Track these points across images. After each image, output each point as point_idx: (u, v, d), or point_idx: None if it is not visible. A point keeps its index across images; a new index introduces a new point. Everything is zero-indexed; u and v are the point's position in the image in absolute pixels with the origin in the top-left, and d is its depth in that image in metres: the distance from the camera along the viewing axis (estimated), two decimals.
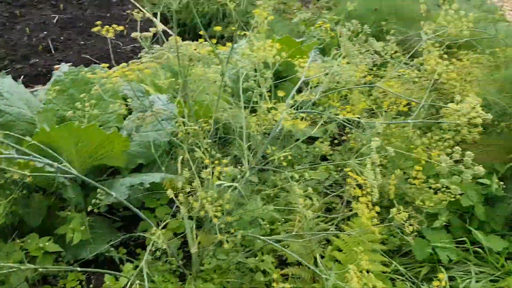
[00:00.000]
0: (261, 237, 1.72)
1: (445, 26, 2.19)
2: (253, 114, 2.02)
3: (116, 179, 2.07)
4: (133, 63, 1.55)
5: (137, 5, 4.36)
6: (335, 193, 2.05)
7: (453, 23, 2.19)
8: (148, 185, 1.94)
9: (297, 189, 1.53)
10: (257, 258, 1.92)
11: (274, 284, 1.55)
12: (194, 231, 1.86)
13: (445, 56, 2.28)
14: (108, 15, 4.15)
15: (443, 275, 1.56)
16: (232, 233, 1.91)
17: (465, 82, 2.18)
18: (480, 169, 1.57)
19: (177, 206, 1.85)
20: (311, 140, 2.41)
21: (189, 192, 1.68)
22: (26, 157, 1.57)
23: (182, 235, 2.09)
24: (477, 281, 1.93)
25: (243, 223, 1.98)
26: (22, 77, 3.22)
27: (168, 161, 2.17)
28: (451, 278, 1.96)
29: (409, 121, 1.69)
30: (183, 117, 1.90)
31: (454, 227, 2.13)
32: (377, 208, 1.60)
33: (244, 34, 1.79)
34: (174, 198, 1.60)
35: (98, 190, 1.85)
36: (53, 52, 3.57)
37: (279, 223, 2.04)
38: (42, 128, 1.88)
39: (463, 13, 2.21)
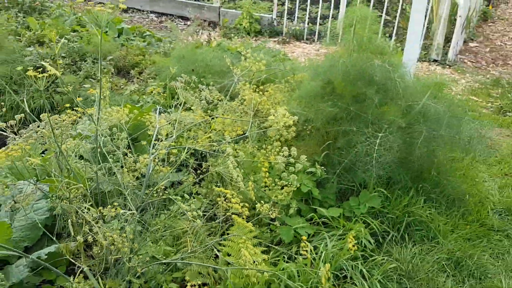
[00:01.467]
0: (165, 260, 2.02)
1: (249, 69, 2.92)
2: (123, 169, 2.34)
3: (10, 265, 2.12)
4: (12, 146, 1.76)
5: None
6: (210, 214, 2.47)
7: (254, 65, 2.94)
8: (46, 256, 2.05)
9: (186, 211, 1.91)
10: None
11: None
12: (101, 282, 2.05)
13: (256, 90, 3.01)
14: None
15: (306, 244, 2.08)
16: (136, 274, 2.15)
17: (274, 104, 2.92)
18: (304, 159, 2.23)
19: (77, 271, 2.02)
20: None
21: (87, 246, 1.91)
22: None
23: None
24: (331, 242, 2.55)
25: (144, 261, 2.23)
26: None
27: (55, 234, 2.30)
28: (315, 247, 2.54)
29: (246, 134, 2.26)
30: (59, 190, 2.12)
31: (304, 210, 2.75)
32: (246, 211, 2.08)
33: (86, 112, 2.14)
34: (72, 260, 1.79)
35: None
36: None
37: (173, 253, 2.35)
38: None
39: (259, 57, 2.99)
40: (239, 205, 2.04)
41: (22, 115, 1.86)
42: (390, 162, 2.57)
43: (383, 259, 2.51)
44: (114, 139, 2.48)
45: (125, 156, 2.41)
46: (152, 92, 3.40)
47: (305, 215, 2.75)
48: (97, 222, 1.97)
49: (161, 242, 2.34)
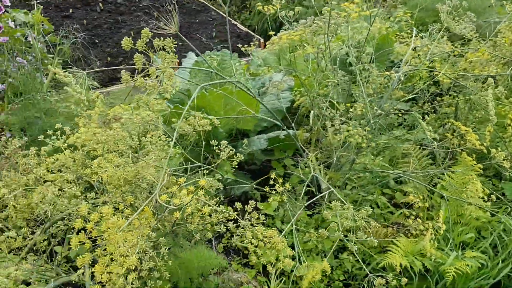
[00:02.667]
0: (388, 171, 2.14)
1: None
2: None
3: (251, 137, 2.56)
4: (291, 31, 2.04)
5: (219, 11, 4.93)
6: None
7: None
8: (283, 137, 2.39)
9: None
10: (374, 196, 2.34)
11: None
12: (323, 170, 2.31)
13: None
14: (196, 20, 4.73)
15: None
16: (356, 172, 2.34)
17: None
18: None
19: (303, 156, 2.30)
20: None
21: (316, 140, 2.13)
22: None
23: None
24: None
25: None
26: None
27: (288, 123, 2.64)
28: None
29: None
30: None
31: None
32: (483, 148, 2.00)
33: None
34: (301, 147, 2.04)
35: (244, 141, 2.34)
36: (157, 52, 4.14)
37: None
38: (202, 93, 2.39)
39: None
40: (478, 141, 1.98)
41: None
42: None
43: None
44: (359, 51, 2.61)
45: (366, 70, 2.52)
46: (398, 17, 3.36)
47: None
48: (332, 119, 2.18)
49: (380, 157, 2.46)
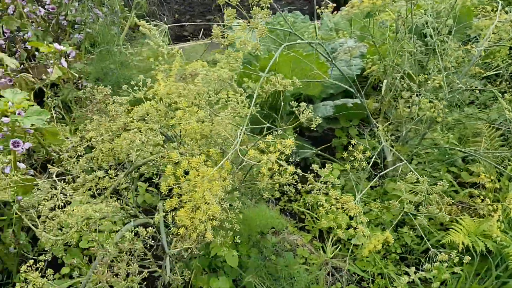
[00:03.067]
0: (458, 149, 2.07)
1: None
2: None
3: (317, 104, 2.53)
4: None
5: None
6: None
7: None
8: (351, 105, 2.36)
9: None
10: (440, 173, 2.28)
11: None
12: (389, 143, 2.26)
13: None
14: None
15: None
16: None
17: None
18: None
19: (369, 126, 2.26)
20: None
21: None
22: None
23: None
24: None
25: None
26: (202, 30, 3.82)
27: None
28: None
29: None
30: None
31: None
32: None
33: None
34: (371, 117, 1.99)
35: (310, 107, 2.32)
36: (223, 11, 4.14)
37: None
38: (271, 54, 2.38)
39: None
40: None
41: None
42: None
43: None
44: (438, 22, 2.48)
45: (445, 42, 2.40)
46: None
47: None
48: (406, 90, 2.11)
49: (449, 134, 2.38)
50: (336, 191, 2.41)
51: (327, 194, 1.44)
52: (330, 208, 1.34)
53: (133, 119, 1.42)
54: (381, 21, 2.40)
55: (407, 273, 1.70)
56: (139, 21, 2.36)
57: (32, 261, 1.27)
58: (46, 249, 1.34)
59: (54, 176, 1.49)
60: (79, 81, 2.59)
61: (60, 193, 1.38)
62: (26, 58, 2.78)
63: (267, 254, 1.97)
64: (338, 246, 2.18)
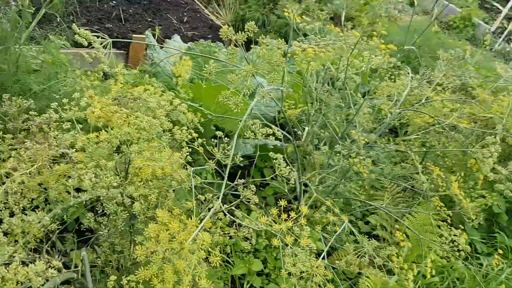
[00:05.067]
0: (362, 199, 2.20)
1: None
2: None
3: (237, 141, 2.46)
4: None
5: None
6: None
7: None
8: (272, 147, 2.34)
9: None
10: None
11: None
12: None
13: None
14: (169, 1, 4.48)
15: None
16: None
17: None
18: None
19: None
20: None
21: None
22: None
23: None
24: None
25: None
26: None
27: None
28: None
29: None
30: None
31: None
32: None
33: None
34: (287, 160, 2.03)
35: (230, 143, 2.24)
36: (123, 22, 3.84)
37: None
38: (198, 84, 2.24)
39: None
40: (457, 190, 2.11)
41: None
42: None
43: None
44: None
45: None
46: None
47: None
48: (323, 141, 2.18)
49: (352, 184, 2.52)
50: None
51: None
52: None
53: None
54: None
55: None
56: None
57: None
58: None
59: None
60: None
61: None
62: None
63: None
64: None
